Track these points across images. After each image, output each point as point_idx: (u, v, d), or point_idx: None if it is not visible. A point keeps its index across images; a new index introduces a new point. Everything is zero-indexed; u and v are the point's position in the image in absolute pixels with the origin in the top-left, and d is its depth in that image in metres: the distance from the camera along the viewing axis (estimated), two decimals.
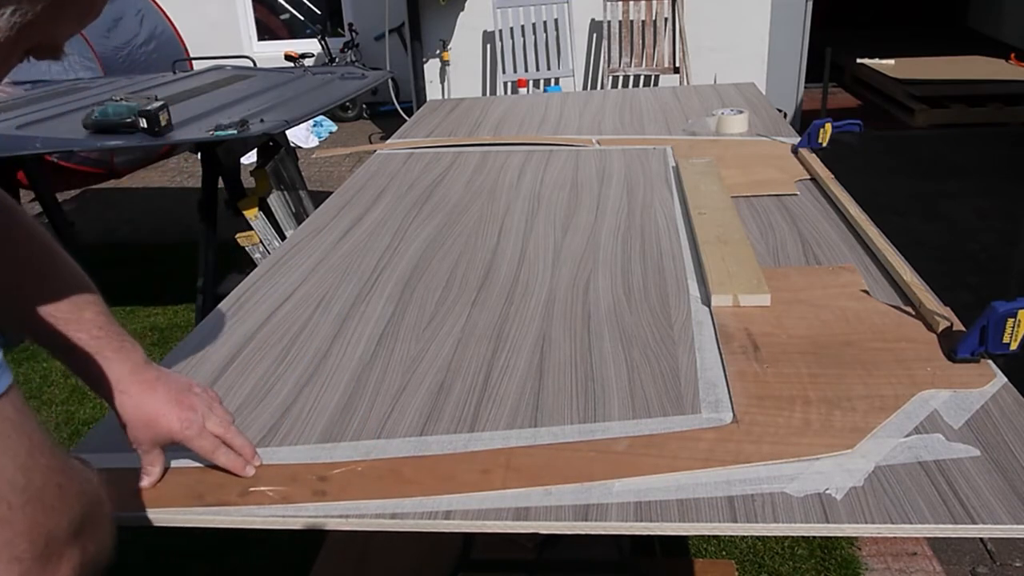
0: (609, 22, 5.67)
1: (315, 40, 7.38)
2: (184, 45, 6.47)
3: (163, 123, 2.63)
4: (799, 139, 2.10)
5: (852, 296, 1.29)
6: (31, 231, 0.86)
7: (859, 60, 7.23)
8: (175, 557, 2.24)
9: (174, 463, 0.96)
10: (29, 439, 0.51)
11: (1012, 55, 7.09)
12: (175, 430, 0.91)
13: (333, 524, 0.88)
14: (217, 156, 3.03)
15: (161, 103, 2.67)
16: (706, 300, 1.32)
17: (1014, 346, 1.05)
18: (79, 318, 0.85)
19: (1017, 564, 2.04)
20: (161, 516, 0.90)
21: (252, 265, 2.93)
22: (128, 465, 0.94)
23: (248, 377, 1.18)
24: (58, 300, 0.84)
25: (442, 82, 6.13)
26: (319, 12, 7.87)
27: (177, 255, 4.25)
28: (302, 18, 7.93)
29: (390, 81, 6.93)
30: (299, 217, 3.28)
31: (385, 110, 7.14)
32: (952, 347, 1.09)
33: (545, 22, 5.73)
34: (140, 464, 0.93)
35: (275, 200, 3.15)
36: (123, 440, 0.91)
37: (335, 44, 7.22)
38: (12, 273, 0.83)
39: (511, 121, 2.68)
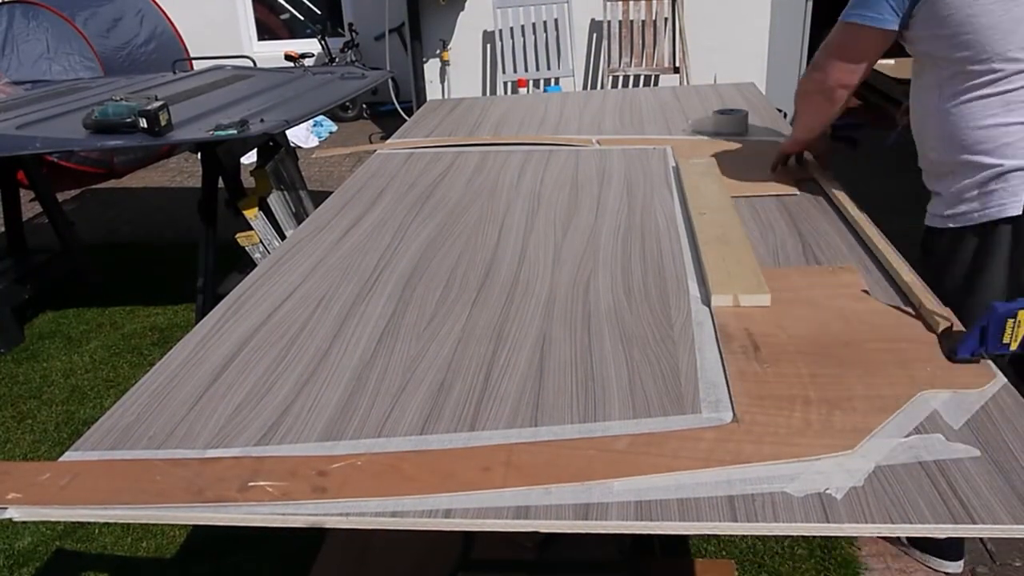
0: (609, 22, 5.67)
1: (315, 40, 7.37)
2: (184, 45, 6.48)
3: (163, 123, 2.64)
4: None
5: (852, 296, 1.29)
6: None
7: None
8: (178, 554, 2.24)
9: (171, 454, 0.96)
10: None
11: None
12: None
13: (333, 523, 0.88)
14: (217, 156, 3.03)
15: (161, 103, 2.67)
16: (706, 300, 1.32)
17: (1014, 346, 1.05)
18: None
19: (1017, 564, 2.04)
20: (163, 514, 0.90)
21: (252, 265, 2.94)
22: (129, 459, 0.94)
23: (248, 376, 1.18)
24: None
25: (442, 82, 6.13)
26: (319, 12, 7.86)
27: (177, 255, 4.25)
28: (302, 18, 7.93)
29: (390, 81, 6.93)
30: (299, 217, 3.29)
31: (385, 110, 7.14)
32: (952, 347, 1.10)
33: (545, 22, 5.73)
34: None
35: (275, 200, 3.16)
36: (122, 439, 0.91)
37: (335, 44, 7.22)
38: None
39: (511, 121, 2.68)
